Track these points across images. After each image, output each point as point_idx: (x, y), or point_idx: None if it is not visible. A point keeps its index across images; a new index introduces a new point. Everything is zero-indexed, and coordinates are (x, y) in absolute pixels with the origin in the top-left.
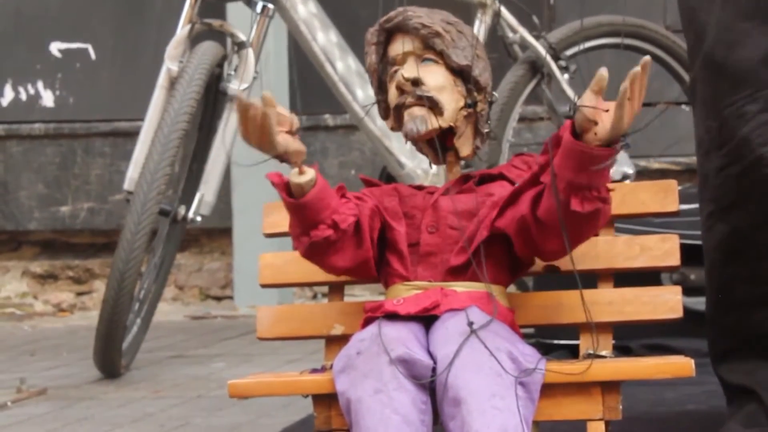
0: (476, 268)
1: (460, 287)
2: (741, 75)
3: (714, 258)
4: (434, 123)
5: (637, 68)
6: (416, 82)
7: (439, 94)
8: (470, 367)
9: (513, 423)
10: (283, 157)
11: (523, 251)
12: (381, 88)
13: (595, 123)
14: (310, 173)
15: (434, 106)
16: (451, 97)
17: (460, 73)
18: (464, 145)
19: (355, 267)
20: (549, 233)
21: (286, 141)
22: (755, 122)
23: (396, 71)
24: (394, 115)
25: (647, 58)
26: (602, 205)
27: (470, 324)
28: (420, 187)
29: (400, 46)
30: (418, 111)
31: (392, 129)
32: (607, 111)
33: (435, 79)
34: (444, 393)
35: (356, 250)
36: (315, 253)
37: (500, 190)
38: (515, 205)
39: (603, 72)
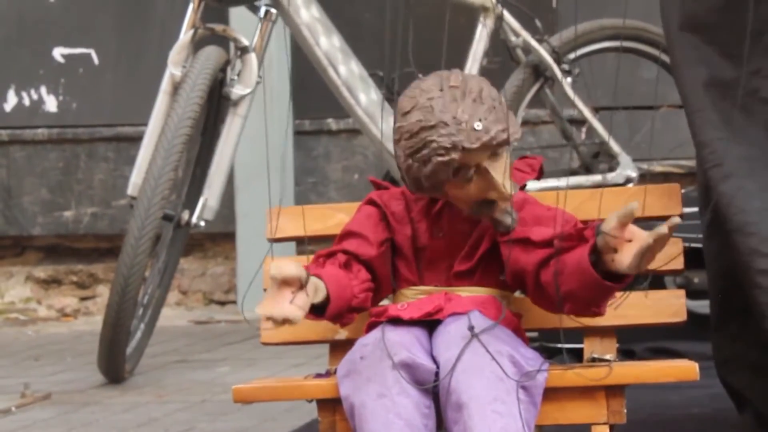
0: (509, 269)
1: (465, 292)
2: (690, 92)
3: (716, 268)
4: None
5: (664, 229)
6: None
7: (506, 183)
8: (472, 372)
9: (514, 427)
10: None
11: (512, 284)
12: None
13: (615, 251)
14: (321, 291)
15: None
16: (508, 175)
17: None
18: None
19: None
20: (543, 298)
21: (303, 304)
22: (696, 140)
23: (469, 173)
24: (475, 215)
25: (675, 220)
26: (596, 316)
27: (471, 328)
28: None
29: (470, 159)
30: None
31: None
32: (629, 241)
33: (501, 173)
34: (447, 397)
35: (379, 297)
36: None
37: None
38: (523, 250)
39: (633, 206)
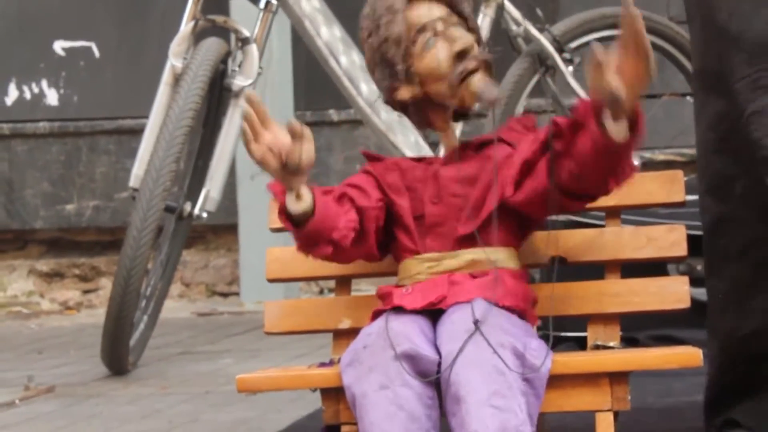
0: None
1: (470, 255)
2: (757, 47)
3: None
4: None
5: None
6: (474, 47)
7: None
8: (472, 365)
9: (513, 423)
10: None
11: (540, 215)
12: (405, 58)
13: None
14: (306, 201)
15: (491, 67)
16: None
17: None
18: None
19: (358, 259)
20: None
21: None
22: None
23: (429, 38)
24: (457, 83)
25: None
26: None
27: (475, 322)
28: (420, 159)
29: (428, 12)
30: (482, 77)
31: (412, 98)
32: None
33: (464, 37)
34: (447, 390)
35: (359, 250)
36: (318, 259)
37: (499, 152)
38: (532, 177)
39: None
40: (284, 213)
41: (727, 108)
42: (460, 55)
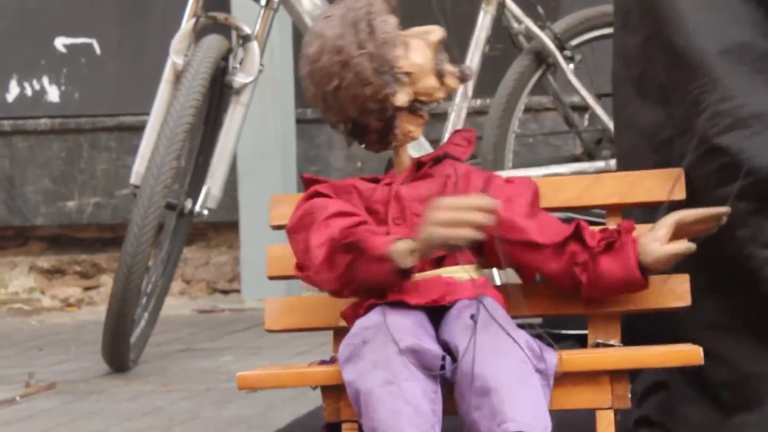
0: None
1: (445, 273)
2: (698, 64)
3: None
4: None
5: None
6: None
7: None
8: (497, 357)
9: (542, 409)
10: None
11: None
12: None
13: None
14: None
15: None
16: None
17: None
18: None
19: None
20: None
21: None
22: (709, 112)
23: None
24: (451, 71)
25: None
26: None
27: (472, 317)
28: (375, 180)
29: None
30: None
31: (408, 102)
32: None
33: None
34: (469, 384)
35: None
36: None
37: (451, 170)
38: (527, 249)
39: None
40: (388, 262)
41: (666, 120)
42: (438, 45)
